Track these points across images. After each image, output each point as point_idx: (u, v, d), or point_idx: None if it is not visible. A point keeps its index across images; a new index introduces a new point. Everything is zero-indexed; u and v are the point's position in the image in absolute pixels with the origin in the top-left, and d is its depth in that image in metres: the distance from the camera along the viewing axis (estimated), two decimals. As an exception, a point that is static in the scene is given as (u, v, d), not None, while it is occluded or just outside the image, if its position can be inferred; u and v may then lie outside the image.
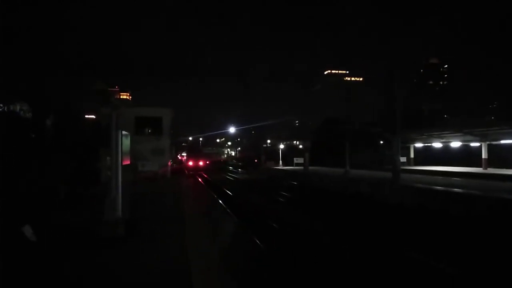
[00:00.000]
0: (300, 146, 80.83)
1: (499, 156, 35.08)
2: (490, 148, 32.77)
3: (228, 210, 19.58)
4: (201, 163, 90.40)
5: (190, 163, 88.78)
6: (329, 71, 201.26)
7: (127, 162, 8.95)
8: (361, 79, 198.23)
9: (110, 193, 7.72)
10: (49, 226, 8.59)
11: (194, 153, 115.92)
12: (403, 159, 33.33)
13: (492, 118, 66.62)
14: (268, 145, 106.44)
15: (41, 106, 17.57)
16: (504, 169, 30.65)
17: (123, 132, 8.29)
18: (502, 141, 31.42)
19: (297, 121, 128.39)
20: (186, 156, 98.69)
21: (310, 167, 42.68)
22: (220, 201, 23.22)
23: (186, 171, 51.96)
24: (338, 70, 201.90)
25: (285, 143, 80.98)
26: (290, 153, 62.34)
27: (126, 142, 8.75)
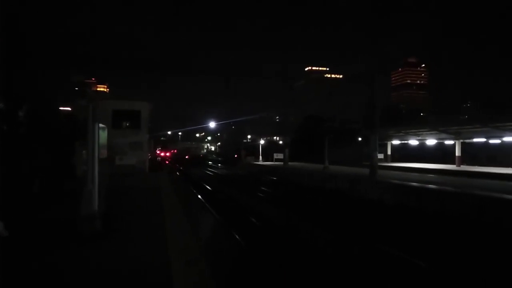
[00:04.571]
0: (281, 142, 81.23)
1: (471, 154, 36.35)
2: (464, 146, 33.88)
3: (207, 205, 19.54)
4: (179, 157, 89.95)
5: (168, 157, 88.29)
6: (310, 67, 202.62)
7: (104, 155, 8.75)
8: (341, 76, 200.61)
9: (86, 187, 7.53)
10: (22, 221, 8.32)
11: (172, 147, 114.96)
12: (380, 156, 34.00)
13: (466, 117, 68.75)
14: (248, 140, 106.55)
15: (13, 97, 16.93)
16: (476, 167, 31.77)
17: (100, 125, 8.09)
18: (475, 140, 32.54)
19: (277, 117, 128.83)
20: (165, 150, 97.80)
21: (290, 163, 43.00)
22: (199, 196, 23.14)
23: (164, 166, 51.36)
24: (319, 67, 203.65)
25: (265, 138, 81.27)
26: (271, 148, 62.58)
27: (103, 135, 8.55)
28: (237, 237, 12.23)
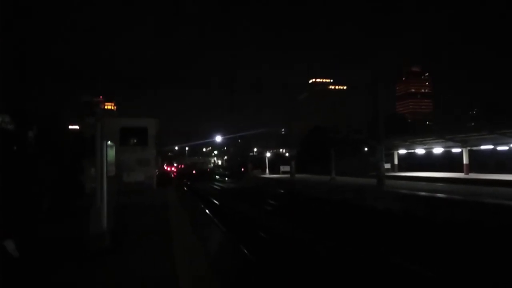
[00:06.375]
0: (287, 154, 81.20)
1: (479, 161, 35.95)
2: (471, 154, 33.57)
3: (215, 219, 19.54)
4: (187, 172, 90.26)
5: (175, 172, 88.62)
6: (314, 79, 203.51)
7: (112, 173, 8.89)
8: (345, 87, 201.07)
9: (95, 205, 7.64)
10: (32, 240, 8.44)
11: (179, 162, 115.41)
12: (387, 166, 33.82)
13: (473, 124, 68.26)
14: (254, 153, 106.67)
15: (23, 118, 17.26)
16: (485, 174, 31.38)
17: (108, 143, 8.25)
18: (482, 147, 32.26)
19: (283, 130, 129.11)
20: (172, 165, 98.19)
21: (297, 175, 42.89)
22: (207, 211, 23.16)
23: (172, 181, 51.51)
24: (323, 79, 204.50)
25: (271, 151, 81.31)
26: (277, 161, 62.60)
27: (111, 153, 8.70)
28: (246, 251, 12.20)
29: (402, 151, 42.37)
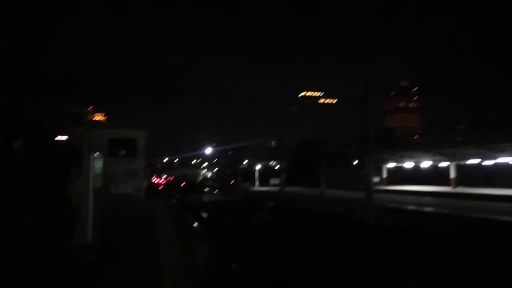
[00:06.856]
0: (277, 167, 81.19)
1: (466, 175, 36.46)
2: (458, 168, 34.04)
3: (204, 233, 19.35)
4: (176, 185, 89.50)
5: (164, 184, 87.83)
6: (304, 93, 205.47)
7: (99, 185, 8.77)
8: (334, 101, 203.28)
9: (80, 217, 7.50)
10: (13, 253, 8.22)
11: (168, 174, 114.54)
12: (376, 179, 34.04)
13: (460, 139, 69.34)
14: (244, 165, 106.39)
15: (9, 128, 17.00)
16: (472, 188, 31.80)
17: (96, 154, 8.15)
18: (469, 161, 32.77)
19: (273, 142, 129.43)
20: (161, 177, 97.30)
21: (287, 188, 42.87)
22: (196, 224, 22.94)
23: (160, 194, 50.97)
24: (313, 92, 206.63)
25: (261, 163, 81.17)
26: (267, 173, 62.53)
27: (98, 164, 8.60)
28: (234, 265, 12.08)
29: (391, 165, 42.76)
